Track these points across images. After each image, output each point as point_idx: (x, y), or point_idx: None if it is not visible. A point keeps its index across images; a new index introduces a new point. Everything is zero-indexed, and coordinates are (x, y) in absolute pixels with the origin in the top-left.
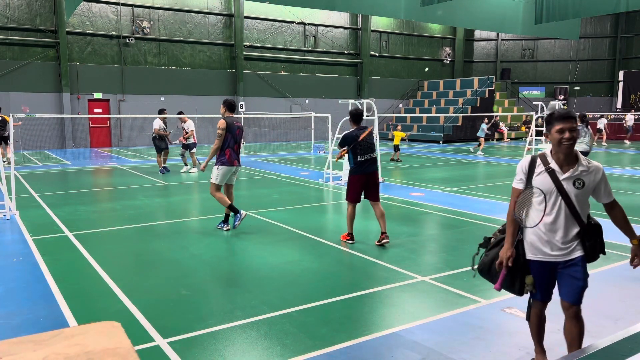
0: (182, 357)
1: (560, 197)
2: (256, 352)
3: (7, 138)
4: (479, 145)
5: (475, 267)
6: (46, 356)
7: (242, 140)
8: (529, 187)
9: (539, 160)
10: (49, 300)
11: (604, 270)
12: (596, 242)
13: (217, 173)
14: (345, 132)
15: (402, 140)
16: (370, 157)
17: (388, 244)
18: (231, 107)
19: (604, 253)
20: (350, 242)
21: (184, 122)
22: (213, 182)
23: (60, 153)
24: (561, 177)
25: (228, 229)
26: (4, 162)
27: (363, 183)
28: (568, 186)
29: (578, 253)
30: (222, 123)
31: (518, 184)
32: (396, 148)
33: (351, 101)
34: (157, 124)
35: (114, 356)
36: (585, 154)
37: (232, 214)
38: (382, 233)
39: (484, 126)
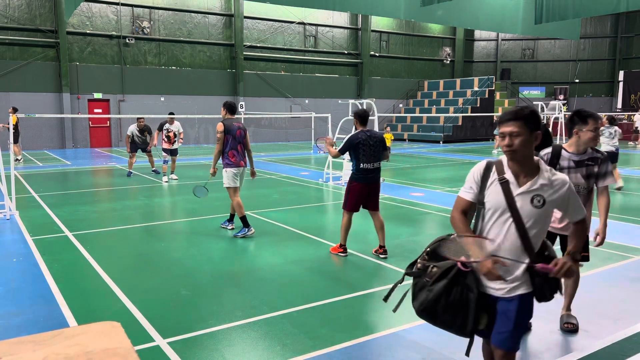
0: (182, 357)
1: (510, 218)
2: (256, 352)
3: (16, 137)
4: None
5: (395, 296)
6: (46, 356)
7: (248, 139)
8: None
9: (494, 168)
10: (49, 300)
11: (604, 270)
12: (548, 278)
13: (225, 176)
14: (351, 134)
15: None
16: (376, 167)
17: (387, 246)
18: (231, 109)
19: (561, 292)
20: (342, 254)
21: (171, 124)
22: (227, 187)
23: (60, 153)
24: (516, 191)
25: (232, 228)
26: (18, 160)
27: (364, 192)
28: (523, 203)
29: (521, 290)
30: (220, 126)
31: (467, 193)
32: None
33: (351, 101)
34: (129, 130)
35: (114, 356)
36: (614, 156)
37: (228, 219)
38: (380, 247)
39: None
